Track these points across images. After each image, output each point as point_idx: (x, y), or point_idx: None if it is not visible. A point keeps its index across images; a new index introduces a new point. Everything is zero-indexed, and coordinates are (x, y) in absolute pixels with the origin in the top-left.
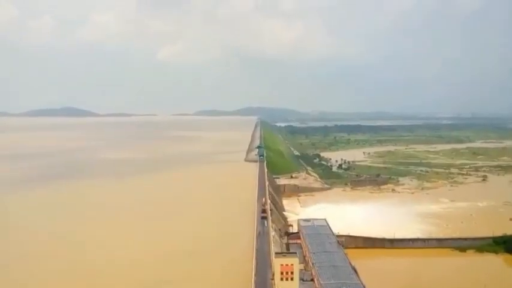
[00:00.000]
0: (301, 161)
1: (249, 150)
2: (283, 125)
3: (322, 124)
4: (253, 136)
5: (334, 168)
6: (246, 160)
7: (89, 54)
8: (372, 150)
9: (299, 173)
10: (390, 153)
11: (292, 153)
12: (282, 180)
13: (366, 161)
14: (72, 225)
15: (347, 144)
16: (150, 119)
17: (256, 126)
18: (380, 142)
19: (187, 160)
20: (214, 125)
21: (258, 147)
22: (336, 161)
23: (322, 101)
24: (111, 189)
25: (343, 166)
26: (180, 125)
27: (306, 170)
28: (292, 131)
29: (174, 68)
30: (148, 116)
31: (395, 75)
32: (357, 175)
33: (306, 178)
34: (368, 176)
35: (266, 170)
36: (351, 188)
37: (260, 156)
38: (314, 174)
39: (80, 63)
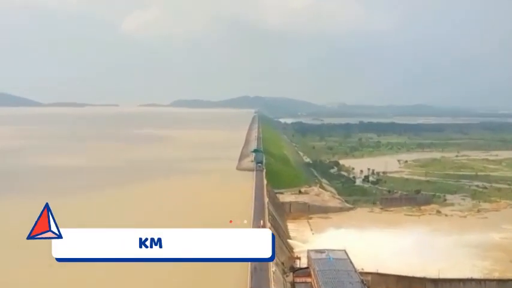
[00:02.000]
0: (314, 171)
1: (242, 156)
2: (289, 121)
3: (342, 121)
4: (248, 136)
5: (358, 182)
6: (238, 169)
7: (28, 20)
8: (411, 157)
9: (310, 186)
10: (435, 162)
11: (301, 159)
12: (287, 197)
13: (402, 172)
14: None
15: (376, 148)
16: (110, 111)
17: (253, 123)
18: (421, 147)
19: (156, 170)
20: (197, 120)
21: (255, 150)
22: (361, 171)
23: (343, 90)
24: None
25: (371, 179)
26: (150, 120)
27: (320, 183)
28: (301, 130)
29: (144, 44)
30: (107, 106)
31: (442, 56)
32: (389, 191)
33: (320, 194)
34: (404, 193)
35: (265, 182)
36: (381, 208)
37: (258, 163)
38: (331, 188)
39: (16, 34)
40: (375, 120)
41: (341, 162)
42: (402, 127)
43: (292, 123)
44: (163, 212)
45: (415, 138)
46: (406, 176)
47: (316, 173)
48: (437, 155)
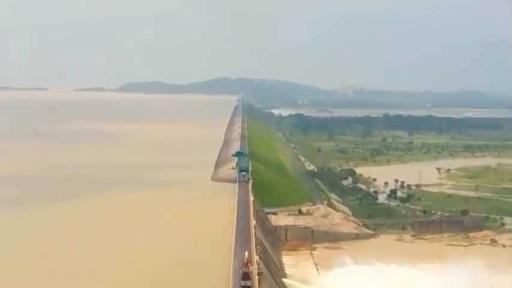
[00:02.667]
0: (320, 183)
1: (220, 161)
2: (286, 113)
3: (360, 113)
4: (228, 133)
5: (382, 198)
6: (214, 179)
7: None
8: (455, 164)
9: (314, 204)
10: (489, 172)
11: (302, 167)
12: (282, 219)
13: (443, 185)
14: None
15: (407, 152)
16: (34, 96)
17: (235, 115)
18: (470, 150)
19: (98, 181)
20: (157, 111)
21: (238, 154)
22: (386, 183)
23: (360, 70)
24: None
25: (399, 194)
26: (91, 109)
27: (328, 199)
28: (303, 126)
29: (81, 6)
30: (30, 90)
31: (501, 27)
32: (424, 212)
33: (328, 215)
34: (446, 215)
35: (252, 198)
36: (413, 235)
37: (241, 171)
38: (343, 207)
39: None
40: (405, 113)
41: (358, 170)
42: (443, 122)
43: (289, 115)
44: (103, 242)
45: (461, 137)
46: (448, 191)
47: (322, 186)
48: (492, 161)
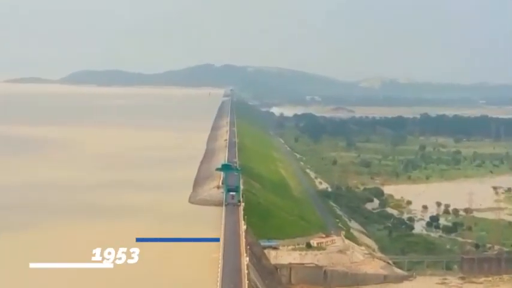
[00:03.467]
0: (335, 206)
1: (201, 178)
2: (289, 112)
3: (390, 113)
4: (212, 140)
5: (420, 227)
6: (193, 202)
7: None
8: None
9: (328, 236)
10: None
11: (311, 185)
12: (285, 255)
13: (502, 209)
14: None
15: (453, 165)
16: None
17: (221, 115)
18: None
19: (22, 209)
20: (116, 110)
21: (225, 168)
22: (425, 207)
23: (390, 57)
24: None
25: (443, 222)
26: (23, 107)
27: (347, 228)
28: (313, 130)
29: None
30: None
31: None
32: (476, 245)
33: (347, 250)
34: (506, 250)
35: (244, 227)
36: (462, 278)
37: (230, 191)
38: (367, 240)
39: None
40: (450, 113)
41: (386, 190)
42: (502, 125)
43: (295, 116)
44: None
45: None
46: (508, 218)
47: (339, 211)
48: None
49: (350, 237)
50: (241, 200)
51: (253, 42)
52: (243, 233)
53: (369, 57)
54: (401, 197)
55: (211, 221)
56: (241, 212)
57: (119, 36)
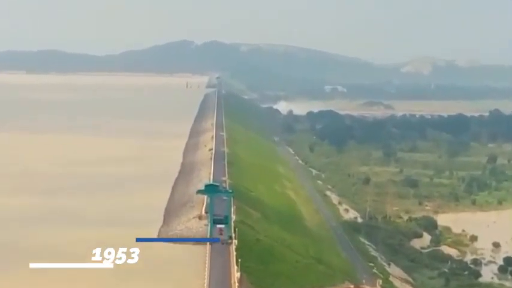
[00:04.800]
0: (368, 244)
1: (175, 204)
2: (302, 109)
3: (445, 108)
4: (191, 150)
5: (489, 273)
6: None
7: None
8: None
9: (358, 287)
10: None
11: (334, 213)
12: None
13: None
14: None
15: None
16: None
17: (204, 113)
18: None
19: None
20: (52, 106)
21: (209, 189)
22: (496, 245)
23: (445, 31)
24: None
25: None
26: None
27: (386, 275)
28: (334, 133)
29: None
30: None
31: None
32: None
33: None
34: None
35: (238, 274)
36: None
37: (216, 223)
38: None
39: None
40: None
41: (441, 220)
42: None
43: (309, 114)
44: None
45: None
46: None
47: (374, 251)
48: None
49: (390, 285)
50: (234, 235)
51: (248, 12)
52: (236, 284)
53: (414, 32)
54: (463, 230)
55: (191, 265)
56: (233, 253)
57: (57, 2)
